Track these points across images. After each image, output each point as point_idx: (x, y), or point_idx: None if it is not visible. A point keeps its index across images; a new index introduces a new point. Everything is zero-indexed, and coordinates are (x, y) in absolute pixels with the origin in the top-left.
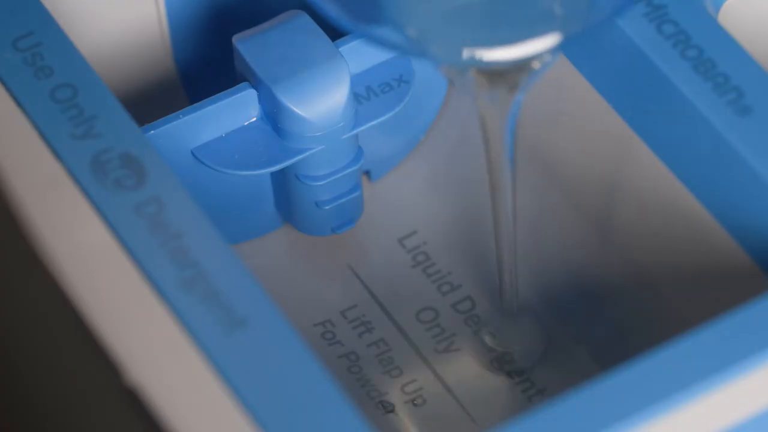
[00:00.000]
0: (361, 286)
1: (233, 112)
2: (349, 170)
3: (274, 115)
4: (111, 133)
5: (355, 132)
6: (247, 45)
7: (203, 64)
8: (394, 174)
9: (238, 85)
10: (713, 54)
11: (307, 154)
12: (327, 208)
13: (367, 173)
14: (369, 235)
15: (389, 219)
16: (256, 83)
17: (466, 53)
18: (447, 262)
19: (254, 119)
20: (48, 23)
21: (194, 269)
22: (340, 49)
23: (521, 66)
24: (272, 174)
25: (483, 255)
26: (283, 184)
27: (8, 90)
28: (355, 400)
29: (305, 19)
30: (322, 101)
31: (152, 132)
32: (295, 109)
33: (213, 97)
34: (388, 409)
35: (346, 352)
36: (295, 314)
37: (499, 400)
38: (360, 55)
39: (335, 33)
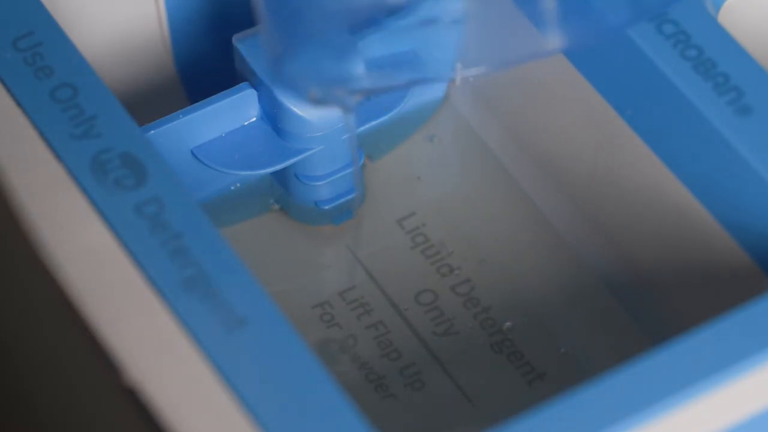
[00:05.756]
0: (360, 267)
1: (233, 112)
2: (349, 170)
3: (274, 115)
4: (111, 133)
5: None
6: (247, 45)
7: (203, 64)
8: (394, 155)
9: (238, 85)
10: (713, 54)
11: (307, 154)
12: (327, 207)
13: (368, 154)
14: (368, 215)
15: (388, 200)
16: (256, 83)
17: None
18: (446, 244)
19: (254, 119)
20: (48, 23)
21: (194, 269)
22: None
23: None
24: (272, 174)
25: (482, 238)
26: (284, 184)
27: (8, 90)
28: (353, 383)
29: None
30: None
31: (152, 132)
32: (295, 109)
33: (213, 97)
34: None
35: (345, 335)
36: (294, 296)
37: (499, 384)
38: None
39: None
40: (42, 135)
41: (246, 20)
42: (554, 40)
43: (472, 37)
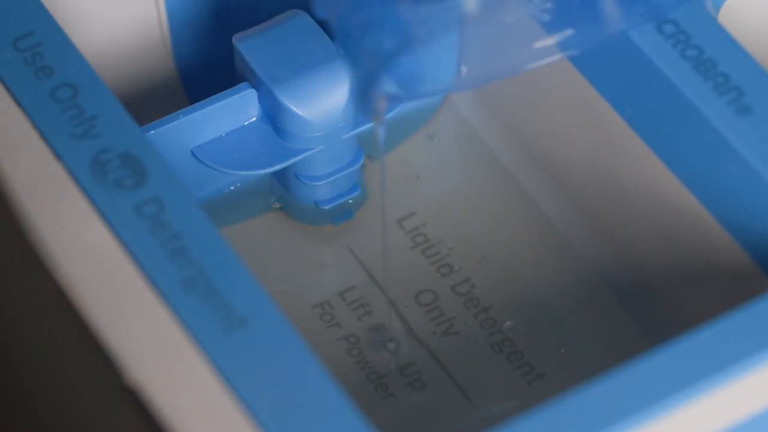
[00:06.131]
0: (360, 267)
1: (233, 112)
2: (349, 170)
3: (274, 115)
4: (111, 133)
5: (355, 132)
6: (247, 45)
7: (203, 64)
8: (394, 155)
9: (238, 85)
10: (713, 54)
11: (307, 154)
12: (327, 207)
13: (368, 154)
14: (368, 216)
15: (388, 200)
16: (256, 83)
17: None
18: (446, 243)
19: (254, 119)
20: (48, 23)
21: (194, 269)
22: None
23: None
24: (272, 174)
25: (482, 238)
26: (284, 183)
27: (8, 90)
28: (353, 383)
29: (305, 19)
30: (322, 101)
31: (152, 132)
32: (295, 109)
33: (213, 97)
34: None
35: (345, 335)
36: (294, 296)
37: (498, 384)
38: None
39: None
40: (42, 135)
41: (246, 20)
42: (565, 44)
43: (481, 44)
